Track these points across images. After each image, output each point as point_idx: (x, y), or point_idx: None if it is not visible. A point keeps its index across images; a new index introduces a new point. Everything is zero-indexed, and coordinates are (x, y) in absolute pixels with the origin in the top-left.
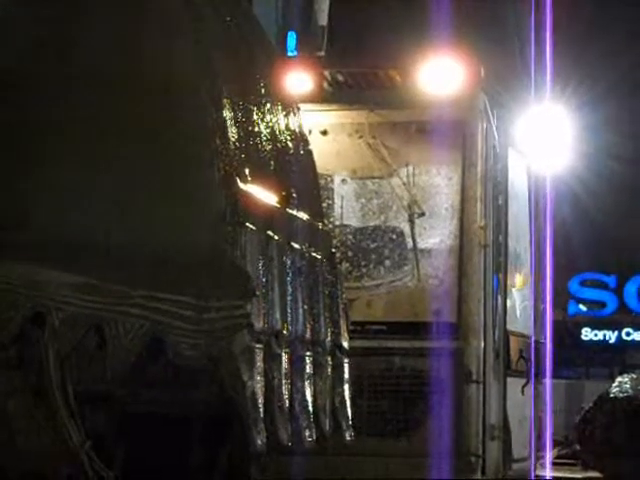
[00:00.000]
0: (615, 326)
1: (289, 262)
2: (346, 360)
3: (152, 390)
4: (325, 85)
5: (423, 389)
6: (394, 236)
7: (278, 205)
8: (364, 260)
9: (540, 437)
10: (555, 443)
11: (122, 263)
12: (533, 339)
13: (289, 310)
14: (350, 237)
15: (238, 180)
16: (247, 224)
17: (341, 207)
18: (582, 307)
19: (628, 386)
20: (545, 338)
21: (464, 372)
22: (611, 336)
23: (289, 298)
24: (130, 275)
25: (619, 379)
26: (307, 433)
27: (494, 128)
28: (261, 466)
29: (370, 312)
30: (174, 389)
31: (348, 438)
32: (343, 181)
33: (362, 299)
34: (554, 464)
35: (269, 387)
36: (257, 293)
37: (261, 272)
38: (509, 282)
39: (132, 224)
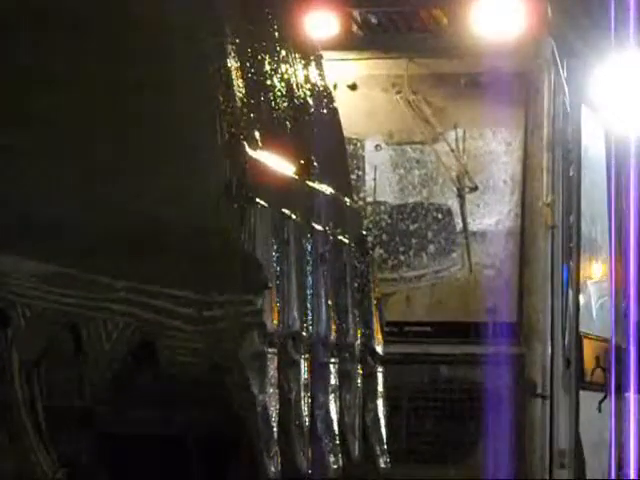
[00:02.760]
0: None
1: (309, 247)
2: (380, 369)
3: (140, 407)
4: (354, 28)
5: (476, 405)
6: (440, 216)
7: (296, 176)
8: (402, 245)
9: (622, 465)
10: None
11: (103, 248)
12: (613, 343)
13: (309, 306)
14: (385, 217)
15: (246, 145)
16: (257, 200)
17: (374, 179)
18: None
19: None
20: (628, 342)
21: (527, 384)
22: None
23: (309, 292)
24: (113, 263)
25: None
26: (331, 459)
27: (564, 82)
28: None
29: (410, 310)
30: (167, 406)
31: (382, 465)
32: (377, 147)
33: (400, 294)
34: None
35: (285, 402)
36: (270, 285)
37: (275, 259)
38: (582, 273)
39: (116, 200)
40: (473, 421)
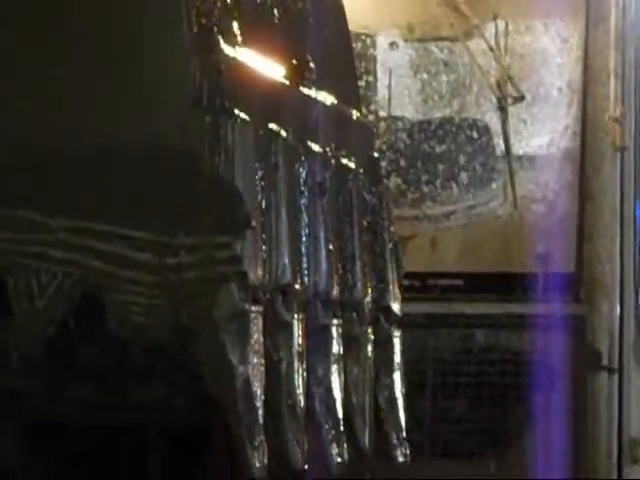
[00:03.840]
0: None
1: (304, 174)
2: (397, 334)
3: (84, 384)
4: None
5: (522, 382)
6: (475, 134)
7: (287, 82)
8: (426, 173)
9: None
10: None
11: (35, 178)
12: None
13: (304, 252)
14: (403, 136)
15: (221, 40)
16: (236, 111)
17: (389, 87)
18: None
19: None
20: None
21: (588, 354)
22: None
23: (304, 232)
24: (48, 196)
25: None
26: (334, 451)
27: None
28: None
29: (436, 257)
30: (119, 382)
31: (401, 459)
32: (392, 45)
33: (423, 236)
34: None
35: (273, 376)
36: (253, 224)
37: (259, 190)
38: None
39: (51, 116)
40: (518, 402)
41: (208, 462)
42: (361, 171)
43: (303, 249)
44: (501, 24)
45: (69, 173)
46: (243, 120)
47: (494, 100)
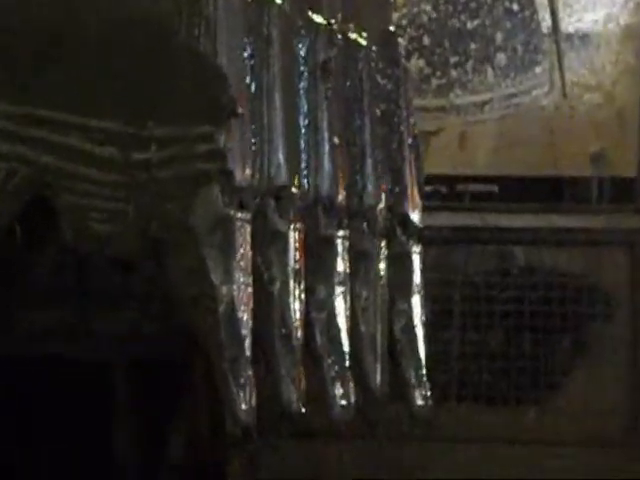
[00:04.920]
0: None
1: (304, 50)
2: (416, 249)
3: (36, 309)
4: None
5: (570, 310)
6: (515, 7)
7: None
8: (455, 54)
9: None
10: None
11: None
12: None
13: (303, 147)
14: (428, 8)
15: None
16: None
17: None
18: None
19: None
20: None
21: None
22: None
23: (304, 123)
24: None
25: None
26: (338, 391)
27: None
28: (248, 457)
29: (466, 157)
30: (77, 306)
31: (420, 402)
32: None
33: (451, 131)
34: None
35: (264, 299)
36: (240, 111)
37: (248, 69)
38: None
39: None
40: (566, 335)
41: (185, 403)
42: (374, 49)
43: (302, 143)
44: None
45: (12, 48)
46: None
47: None
